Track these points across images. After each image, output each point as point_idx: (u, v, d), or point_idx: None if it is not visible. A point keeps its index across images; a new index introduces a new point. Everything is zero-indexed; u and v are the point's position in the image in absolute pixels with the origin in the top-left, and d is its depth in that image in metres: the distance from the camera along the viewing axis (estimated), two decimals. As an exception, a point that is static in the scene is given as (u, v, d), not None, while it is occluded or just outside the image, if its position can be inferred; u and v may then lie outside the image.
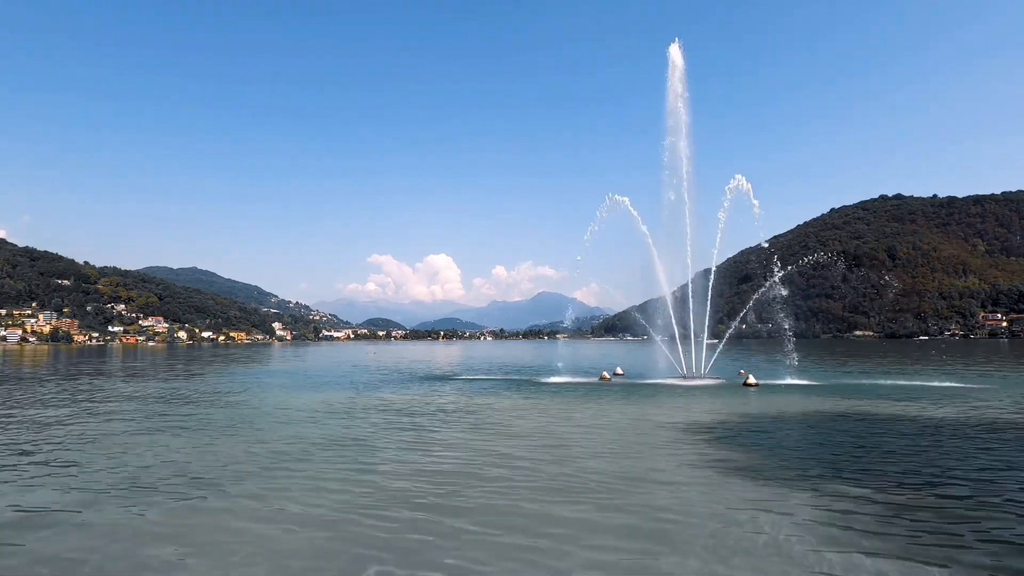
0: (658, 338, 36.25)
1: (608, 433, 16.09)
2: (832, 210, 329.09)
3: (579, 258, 35.41)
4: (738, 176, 33.53)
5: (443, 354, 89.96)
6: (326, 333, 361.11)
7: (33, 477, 11.37)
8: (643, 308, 38.62)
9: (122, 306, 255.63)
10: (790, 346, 35.46)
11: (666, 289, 35.04)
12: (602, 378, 34.07)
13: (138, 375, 41.89)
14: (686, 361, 33.87)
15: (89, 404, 23.37)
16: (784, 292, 34.37)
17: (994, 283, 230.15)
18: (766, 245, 37.25)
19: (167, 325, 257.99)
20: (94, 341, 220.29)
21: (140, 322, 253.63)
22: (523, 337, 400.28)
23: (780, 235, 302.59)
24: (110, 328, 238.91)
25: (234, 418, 19.35)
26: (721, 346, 38.67)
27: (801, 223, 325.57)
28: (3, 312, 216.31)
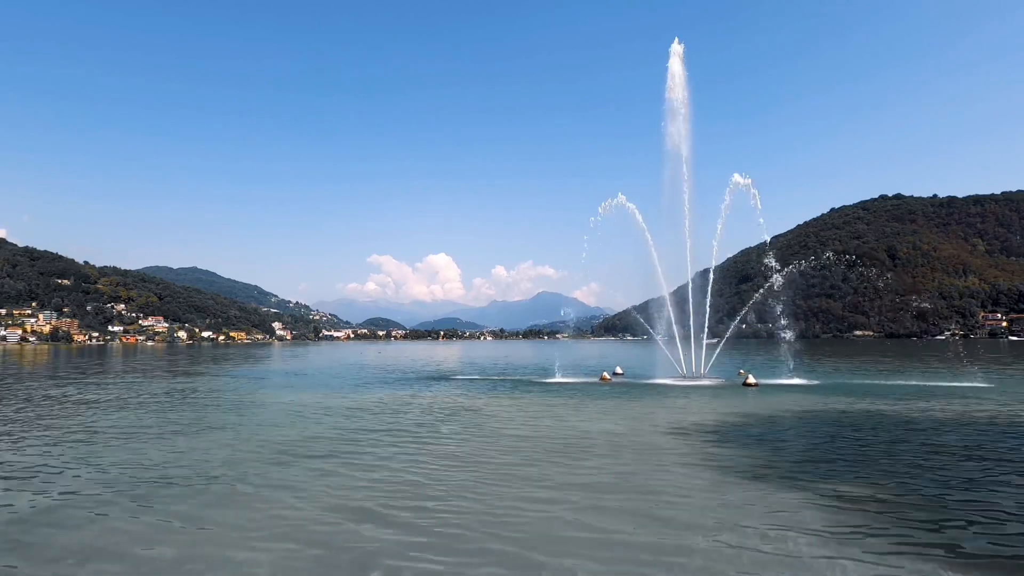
0: (658, 338, 36.26)
1: (607, 433, 16.09)
2: (832, 210, 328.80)
3: (583, 255, 35.45)
4: (736, 176, 33.58)
5: (443, 354, 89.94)
6: (326, 333, 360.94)
7: (32, 478, 11.38)
8: (643, 308, 38.65)
9: (122, 306, 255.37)
10: (788, 346, 35.53)
11: (666, 289, 35.07)
12: (602, 378, 34.06)
13: (138, 375, 41.88)
14: (686, 361, 33.87)
15: (89, 404, 23.37)
16: (780, 295, 34.42)
17: (994, 283, 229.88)
18: (770, 254, 37.33)
19: (167, 325, 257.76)
20: (94, 341, 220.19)
21: (140, 322, 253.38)
22: (523, 337, 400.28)
23: (780, 235, 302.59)
24: (110, 328, 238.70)
25: (233, 418, 19.35)
26: (721, 346, 38.66)
27: (801, 223, 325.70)
28: (3, 312, 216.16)
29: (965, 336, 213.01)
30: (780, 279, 34.64)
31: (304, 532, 8.15)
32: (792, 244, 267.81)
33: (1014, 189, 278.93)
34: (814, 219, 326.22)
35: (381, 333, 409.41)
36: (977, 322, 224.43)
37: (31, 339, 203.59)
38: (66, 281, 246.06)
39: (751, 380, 29.27)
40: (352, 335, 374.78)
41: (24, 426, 17.63)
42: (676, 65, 35.27)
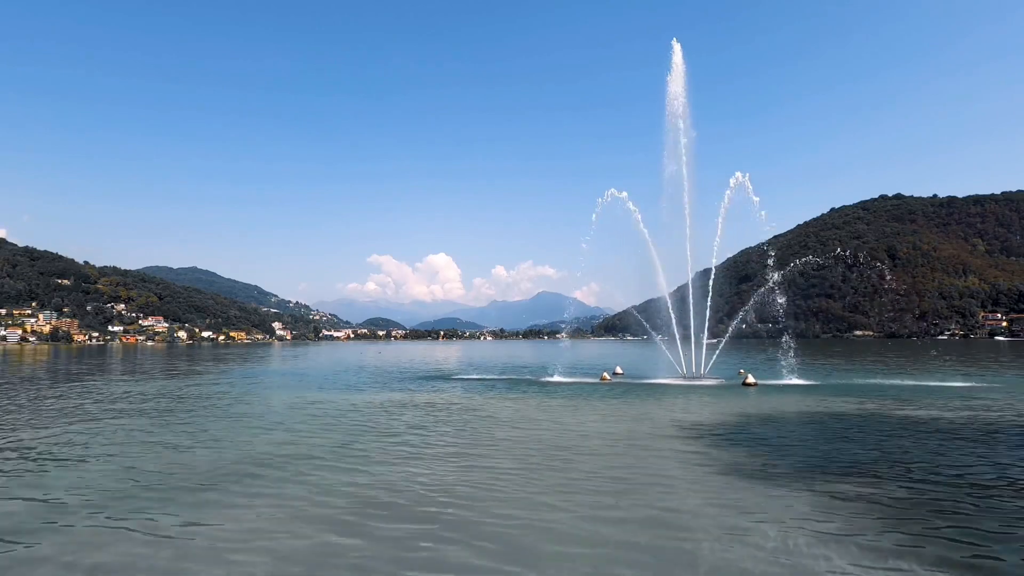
0: (658, 338, 36.25)
1: (607, 434, 16.06)
2: (832, 210, 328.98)
3: (584, 246, 35.51)
4: (738, 173, 33.64)
5: (443, 354, 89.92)
6: (326, 333, 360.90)
7: (31, 478, 11.36)
8: (643, 308, 38.63)
9: (122, 306, 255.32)
10: (788, 346, 35.54)
11: (666, 289, 35.05)
12: (602, 378, 34.05)
13: (138, 375, 41.85)
14: (686, 361, 33.84)
15: (88, 403, 23.34)
16: (781, 298, 34.48)
17: (994, 283, 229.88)
18: (770, 252, 37.33)
19: (167, 325, 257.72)
20: (94, 341, 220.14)
21: (140, 322, 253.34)
22: (523, 337, 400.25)
23: (780, 235, 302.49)
24: (110, 328, 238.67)
25: (229, 419, 19.33)
26: (721, 346, 38.65)
27: (801, 223, 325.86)
28: (3, 312, 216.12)
29: (965, 336, 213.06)
30: (779, 278, 34.65)
31: (298, 535, 8.12)
32: (792, 244, 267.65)
33: (1014, 189, 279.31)
34: (814, 219, 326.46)
35: (381, 333, 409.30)
36: (977, 322, 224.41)
37: (31, 339, 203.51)
38: (66, 281, 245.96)
39: (751, 380, 29.26)
40: (352, 335, 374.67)
41: (15, 428, 17.60)
42: (677, 59, 35.24)
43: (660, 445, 14.37)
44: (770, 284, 34.94)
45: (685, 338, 34.45)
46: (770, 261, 35.91)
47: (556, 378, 35.25)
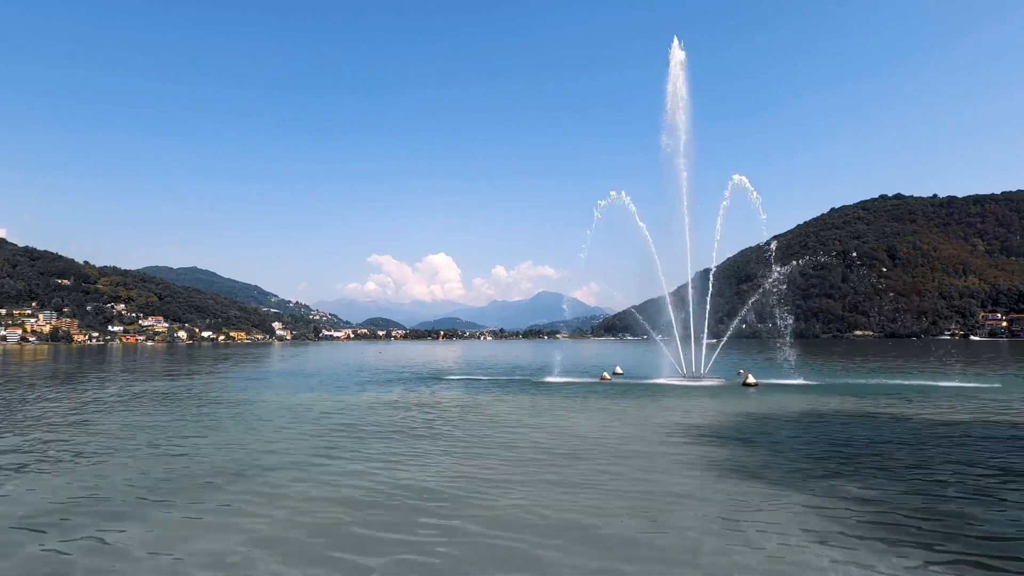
0: (658, 338, 36.24)
1: (607, 433, 16.05)
2: (832, 210, 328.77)
3: (583, 256, 35.54)
4: (737, 176, 33.62)
5: (443, 354, 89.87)
6: (326, 333, 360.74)
7: (29, 478, 11.34)
8: (643, 308, 38.61)
9: (122, 306, 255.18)
10: (788, 346, 35.56)
11: (666, 289, 35.05)
12: (602, 378, 34.03)
13: (136, 375, 41.82)
14: (686, 361, 33.83)
15: (87, 403, 23.32)
16: (783, 288, 34.48)
17: (994, 283, 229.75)
18: (772, 248, 37.33)
19: (167, 325, 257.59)
20: (94, 341, 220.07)
21: (140, 322, 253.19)
22: (523, 337, 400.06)
23: (780, 235, 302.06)
24: (110, 328, 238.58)
25: (224, 420, 19.31)
26: (721, 346, 38.64)
27: (801, 223, 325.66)
28: (3, 312, 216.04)
29: (965, 336, 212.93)
30: (780, 275, 34.67)
31: (292, 537, 8.11)
32: (792, 244, 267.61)
33: (1014, 189, 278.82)
34: (814, 219, 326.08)
35: (381, 333, 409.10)
36: (977, 322, 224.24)
37: (31, 339, 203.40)
38: (66, 281, 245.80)
39: (751, 380, 29.24)
40: (352, 335, 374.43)
41: (8, 428, 17.58)
42: (677, 56, 35.22)
43: (660, 445, 14.35)
44: (770, 283, 34.90)
45: (685, 338, 34.43)
46: (771, 261, 35.93)
47: (556, 378, 35.23)
